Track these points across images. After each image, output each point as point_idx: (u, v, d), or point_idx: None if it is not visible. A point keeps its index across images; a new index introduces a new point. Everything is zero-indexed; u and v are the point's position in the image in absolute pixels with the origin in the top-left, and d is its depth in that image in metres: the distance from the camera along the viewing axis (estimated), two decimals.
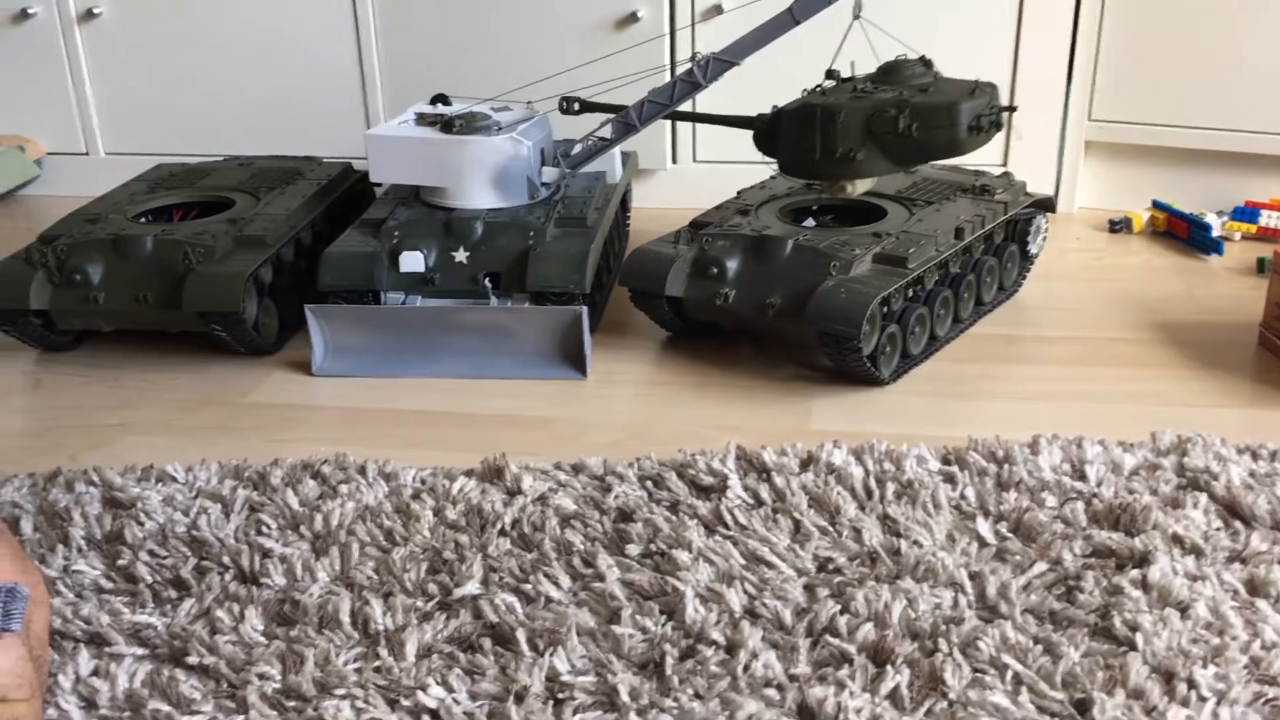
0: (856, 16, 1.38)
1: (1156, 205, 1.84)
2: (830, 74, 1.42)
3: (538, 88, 1.54)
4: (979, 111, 1.34)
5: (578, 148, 1.51)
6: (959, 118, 1.33)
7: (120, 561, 1.02)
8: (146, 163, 1.81)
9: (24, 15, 2.04)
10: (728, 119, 1.46)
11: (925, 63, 1.41)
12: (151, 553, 1.04)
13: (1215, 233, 1.74)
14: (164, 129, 2.09)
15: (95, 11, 2.02)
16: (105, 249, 1.43)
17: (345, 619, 0.94)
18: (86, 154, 2.13)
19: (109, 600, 0.98)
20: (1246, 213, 1.77)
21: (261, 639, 0.93)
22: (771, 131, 1.40)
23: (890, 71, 1.40)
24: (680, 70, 1.41)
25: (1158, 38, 1.80)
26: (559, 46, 1.79)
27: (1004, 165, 1.89)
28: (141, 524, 1.07)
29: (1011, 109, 1.42)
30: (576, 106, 1.48)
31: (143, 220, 1.54)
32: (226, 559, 1.02)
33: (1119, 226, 1.84)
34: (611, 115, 1.45)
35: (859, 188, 1.42)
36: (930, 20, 1.83)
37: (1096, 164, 1.92)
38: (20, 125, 2.13)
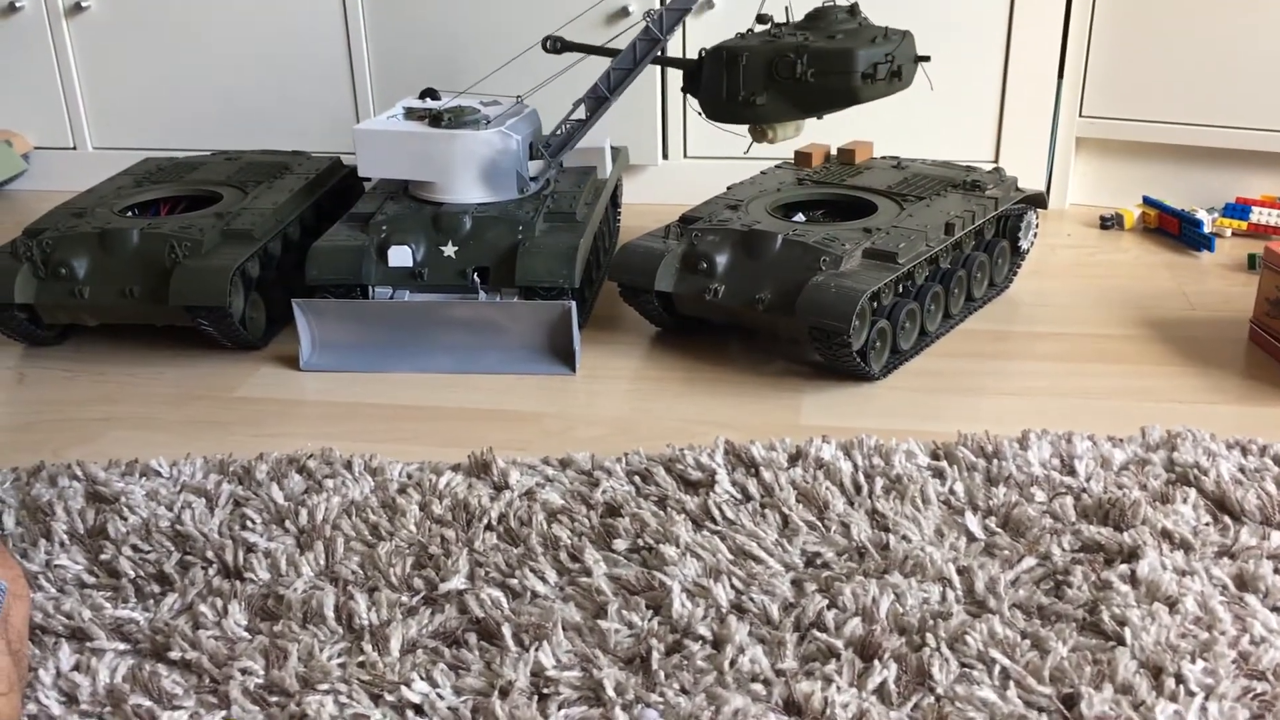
0: None
1: (1147, 201, 1.84)
2: (761, 18, 1.41)
3: (527, 82, 1.53)
4: (874, 59, 1.32)
5: (557, 134, 1.50)
6: (853, 64, 1.31)
7: (103, 556, 1.01)
8: (134, 157, 1.80)
9: (12, 8, 2.02)
10: (668, 60, 1.44)
11: (850, 10, 1.39)
12: (134, 547, 1.03)
13: (1206, 229, 1.74)
14: (152, 123, 2.08)
15: (84, 5, 2.01)
16: (91, 243, 1.42)
17: (329, 614, 0.93)
18: (74, 148, 2.12)
19: (91, 595, 0.97)
20: (1237, 209, 1.77)
21: (245, 634, 0.92)
22: (695, 74, 1.40)
23: (815, 18, 1.39)
24: (637, 32, 1.41)
25: (1148, 34, 1.80)
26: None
27: (995, 161, 1.88)
28: (125, 519, 1.06)
29: (924, 59, 1.40)
30: (559, 45, 1.46)
31: (129, 214, 1.53)
32: (210, 553, 1.01)
33: (1110, 223, 1.84)
34: (595, 55, 1.43)
35: (780, 134, 1.40)
36: (922, 16, 1.82)
37: (1088, 160, 1.92)
38: (7, 119, 2.12)
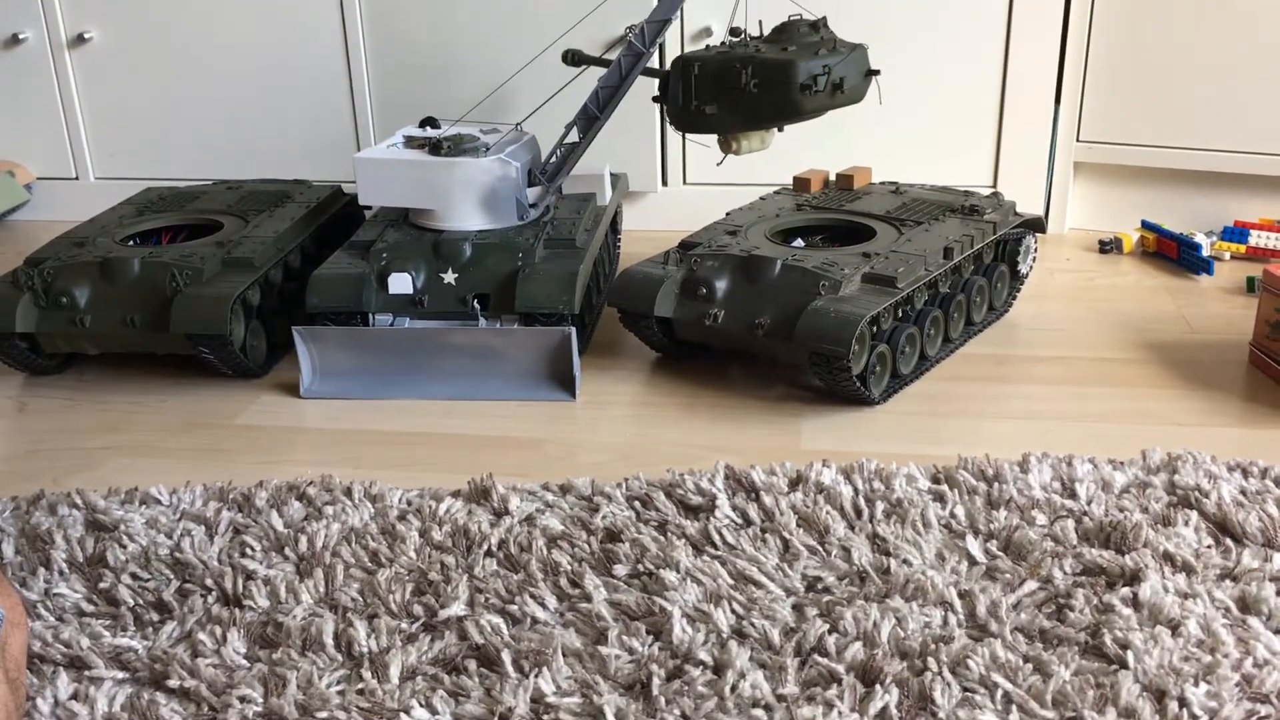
0: None
1: (1146, 225, 1.84)
2: (734, 31, 1.42)
3: (525, 109, 1.54)
4: (813, 71, 1.32)
5: (552, 158, 1.50)
6: (792, 75, 1.32)
7: (102, 584, 1.01)
8: (136, 187, 1.81)
9: (15, 40, 2.04)
10: (651, 71, 1.45)
11: (814, 25, 1.39)
12: (134, 575, 1.03)
13: (1205, 252, 1.74)
14: (155, 153, 2.09)
15: (86, 36, 2.03)
16: (92, 272, 1.42)
17: (329, 641, 0.93)
18: (76, 178, 2.13)
19: (90, 623, 0.97)
20: (1236, 232, 1.78)
21: (244, 662, 0.92)
22: (664, 83, 1.41)
23: (780, 31, 1.40)
24: (620, 49, 1.42)
25: (1144, 59, 1.81)
26: (547, 69, 1.78)
27: (993, 186, 1.89)
28: (124, 546, 1.06)
29: (874, 73, 1.39)
30: (577, 59, 1.48)
31: (131, 243, 1.54)
32: (209, 581, 1.01)
33: (1109, 247, 1.85)
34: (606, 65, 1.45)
35: (744, 146, 1.41)
36: (920, 43, 1.84)
37: (1086, 185, 1.93)
38: (10, 150, 2.13)
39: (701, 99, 1.35)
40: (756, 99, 1.33)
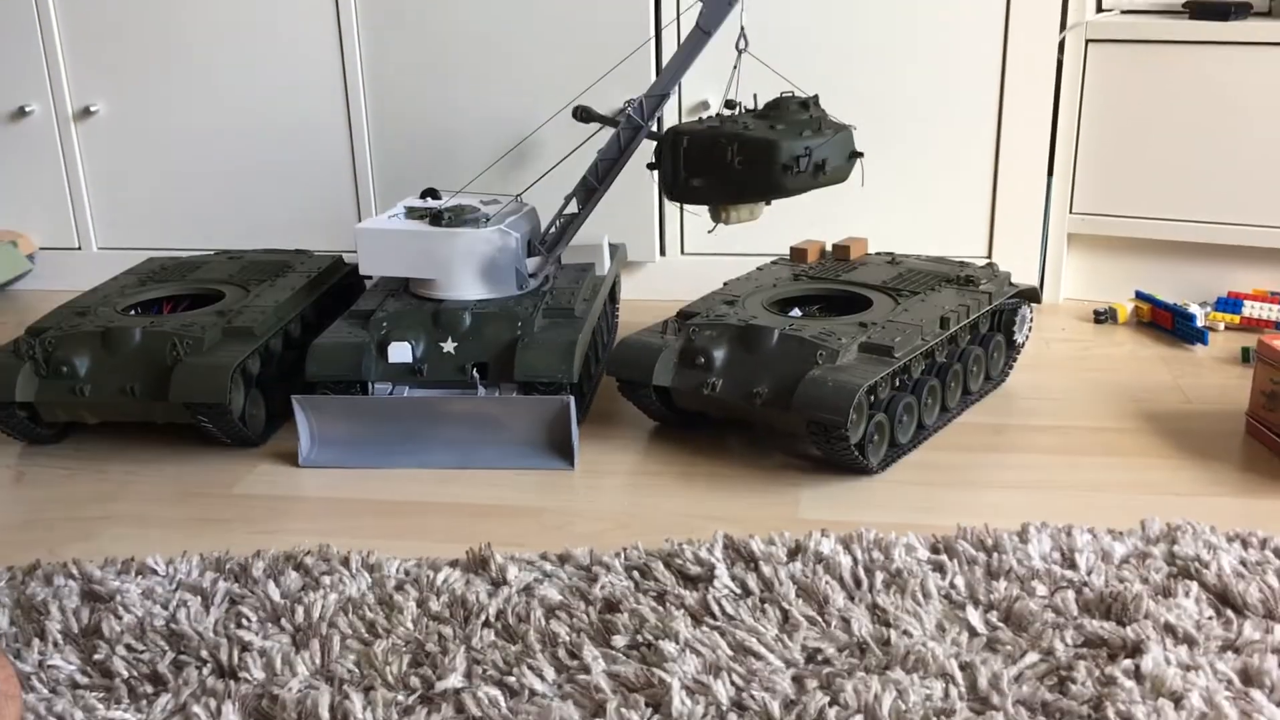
0: (740, 49, 1.41)
1: (1140, 296, 1.86)
2: (729, 104, 1.44)
3: (526, 180, 1.56)
4: (796, 153, 1.34)
5: (552, 229, 1.52)
6: (775, 155, 1.34)
7: (97, 656, 1.00)
8: (139, 257, 1.82)
9: (21, 113, 2.07)
10: (654, 135, 1.48)
11: (803, 103, 1.42)
12: (129, 646, 1.02)
13: (1199, 323, 1.75)
14: (157, 224, 2.11)
15: (92, 109, 2.05)
16: (94, 341, 1.43)
17: (324, 714, 0.92)
18: (79, 249, 2.14)
19: (84, 696, 0.96)
20: (1230, 303, 1.79)
21: None
22: (659, 153, 1.44)
23: (773, 107, 1.43)
24: (620, 122, 1.44)
25: (1136, 132, 1.83)
26: (548, 139, 1.81)
27: (988, 257, 1.91)
28: (120, 617, 1.05)
29: (858, 155, 1.42)
30: (587, 115, 1.51)
31: (133, 313, 1.55)
32: (205, 653, 1.00)
33: (1104, 317, 1.86)
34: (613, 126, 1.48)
35: (734, 216, 1.42)
36: (915, 117, 1.86)
37: (1080, 256, 1.94)
38: (14, 221, 2.14)
39: (690, 172, 1.37)
40: (741, 175, 1.36)
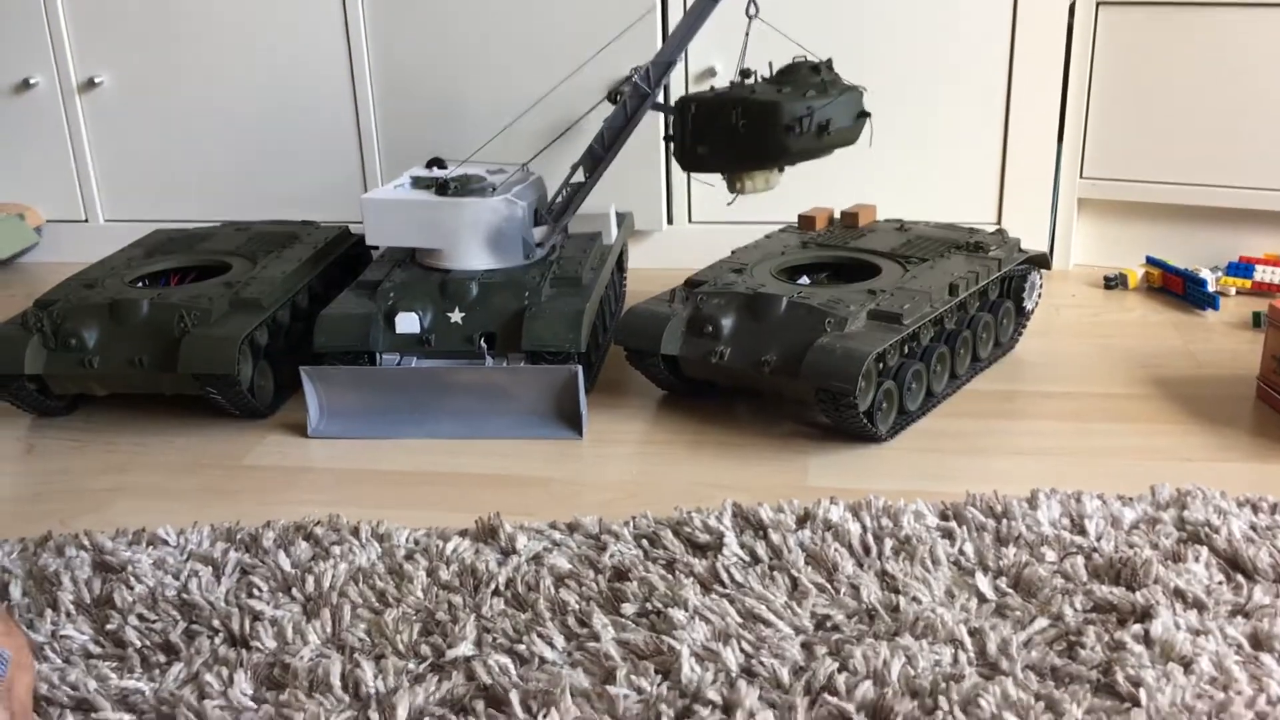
0: (751, 16, 1.40)
1: (1151, 261, 1.85)
2: (744, 73, 1.43)
3: (531, 150, 1.55)
4: (798, 114, 1.33)
5: (558, 198, 1.51)
6: (777, 116, 1.33)
7: (109, 626, 1.01)
8: (146, 229, 1.82)
9: (26, 85, 2.06)
10: (661, 107, 1.47)
11: (815, 68, 1.40)
12: (141, 617, 1.02)
13: (1210, 288, 1.74)
14: (163, 195, 2.10)
15: (96, 81, 2.05)
16: (101, 313, 1.43)
17: (336, 682, 0.93)
18: (86, 221, 2.14)
19: (97, 665, 0.97)
20: (1241, 268, 1.78)
21: (250, 703, 0.91)
22: (669, 122, 1.43)
23: (786, 73, 1.41)
24: (625, 91, 1.43)
25: (1146, 96, 1.82)
26: (554, 109, 1.80)
27: (998, 223, 1.90)
28: (131, 588, 1.06)
29: (866, 115, 1.40)
30: (617, 96, 1.50)
31: (140, 285, 1.55)
32: (216, 622, 1.01)
33: (1114, 283, 1.85)
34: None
35: (749, 186, 1.41)
36: (924, 82, 1.85)
37: (1090, 221, 1.93)
38: (20, 193, 2.14)
39: (696, 138, 1.36)
40: (745, 139, 1.35)
